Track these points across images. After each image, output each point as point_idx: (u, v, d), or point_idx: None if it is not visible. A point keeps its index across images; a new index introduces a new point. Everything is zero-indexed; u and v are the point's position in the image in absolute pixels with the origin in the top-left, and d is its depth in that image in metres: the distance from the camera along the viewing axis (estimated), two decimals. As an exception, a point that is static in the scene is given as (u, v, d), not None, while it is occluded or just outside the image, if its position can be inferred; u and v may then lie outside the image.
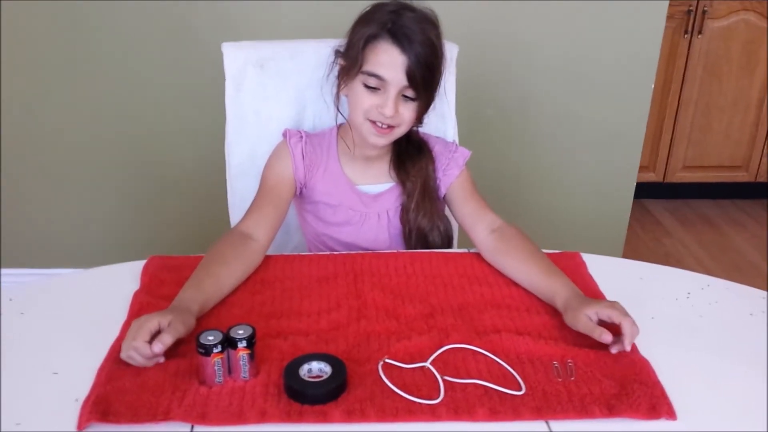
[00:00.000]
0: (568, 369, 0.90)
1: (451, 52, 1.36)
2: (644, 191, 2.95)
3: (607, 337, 0.92)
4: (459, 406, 0.83)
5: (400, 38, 1.12)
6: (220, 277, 1.06)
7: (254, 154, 1.37)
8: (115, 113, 2.11)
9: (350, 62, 1.18)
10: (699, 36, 2.81)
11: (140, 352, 0.87)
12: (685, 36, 2.80)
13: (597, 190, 2.27)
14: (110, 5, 1.97)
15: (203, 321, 0.99)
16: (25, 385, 0.87)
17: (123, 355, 0.88)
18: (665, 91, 2.88)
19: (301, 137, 1.28)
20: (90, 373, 0.88)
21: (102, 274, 1.14)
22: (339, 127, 1.31)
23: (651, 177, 3.02)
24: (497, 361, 0.91)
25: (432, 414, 0.82)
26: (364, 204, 1.29)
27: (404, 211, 1.28)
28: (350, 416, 0.81)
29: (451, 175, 1.29)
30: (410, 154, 1.29)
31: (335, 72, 1.24)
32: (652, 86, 2.17)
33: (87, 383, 0.86)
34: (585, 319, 0.95)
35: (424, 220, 1.27)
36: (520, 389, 0.86)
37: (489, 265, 1.16)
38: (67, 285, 1.12)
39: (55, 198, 2.21)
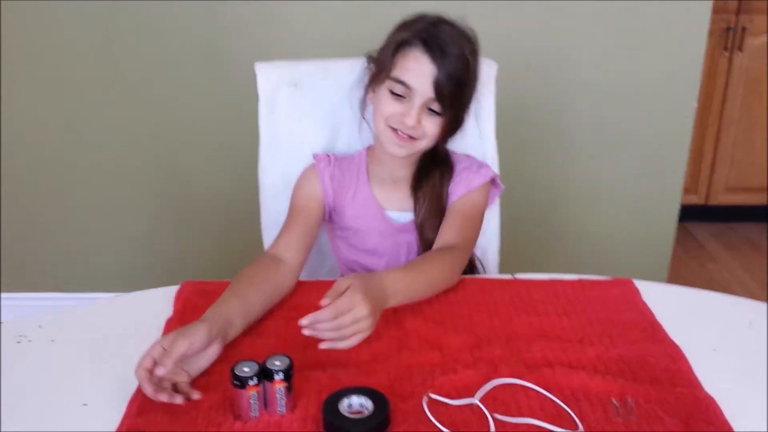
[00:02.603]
0: (628, 407, 0.83)
1: (489, 70, 1.32)
2: (686, 214, 2.85)
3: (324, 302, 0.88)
4: (512, 447, 0.77)
5: (432, 48, 1.09)
6: (246, 295, 1.01)
7: (288, 176, 1.33)
8: (145, 135, 2.10)
9: (380, 67, 1.15)
10: (739, 53, 2.73)
11: (138, 376, 0.83)
12: (725, 53, 2.73)
13: (640, 212, 2.19)
14: (141, 26, 1.96)
15: (237, 351, 0.94)
16: (53, 416, 0.83)
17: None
18: (705, 111, 2.80)
19: (330, 161, 1.25)
20: (121, 404, 0.84)
21: (134, 300, 1.10)
22: (368, 149, 1.28)
23: (693, 199, 2.92)
24: (551, 398, 0.85)
25: (483, 455, 0.76)
26: (393, 231, 1.25)
27: (418, 228, 1.23)
28: (394, 456, 0.76)
29: (454, 194, 1.22)
30: (429, 171, 1.24)
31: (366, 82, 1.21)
32: (695, 105, 2.10)
33: (117, 416, 0.82)
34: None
35: (434, 237, 1.21)
36: (576, 429, 0.80)
37: (537, 291, 1.10)
38: (98, 312, 1.09)
39: (85, 221, 2.19)
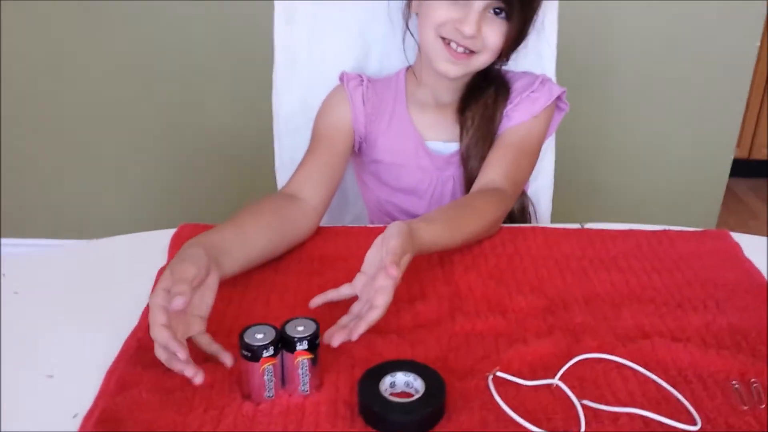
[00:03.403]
0: (755, 392, 0.64)
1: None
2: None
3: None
4: (612, 446, 0.58)
5: None
6: (244, 225, 0.82)
7: (307, 104, 1.13)
8: (141, 55, 1.87)
9: None
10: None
11: (157, 335, 0.63)
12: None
13: (689, 166, 2.03)
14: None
15: (247, 311, 0.75)
16: (7, 390, 0.65)
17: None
18: (756, 64, 2.59)
19: (362, 81, 1.06)
20: (96, 376, 0.65)
21: (120, 244, 0.91)
22: (408, 70, 1.08)
23: (736, 153, 2.73)
24: (655, 381, 0.65)
25: (574, 456, 0.57)
26: (435, 166, 1.04)
27: (462, 157, 1.02)
28: (455, 455, 0.57)
29: (512, 119, 1.00)
30: (481, 90, 1.02)
31: None
32: (757, 45, 1.91)
33: (91, 391, 0.64)
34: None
35: (479, 167, 1.00)
36: (694, 422, 0.60)
37: (615, 244, 0.90)
38: (74, 258, 0.90)
39: (81, 162, 2.01)
